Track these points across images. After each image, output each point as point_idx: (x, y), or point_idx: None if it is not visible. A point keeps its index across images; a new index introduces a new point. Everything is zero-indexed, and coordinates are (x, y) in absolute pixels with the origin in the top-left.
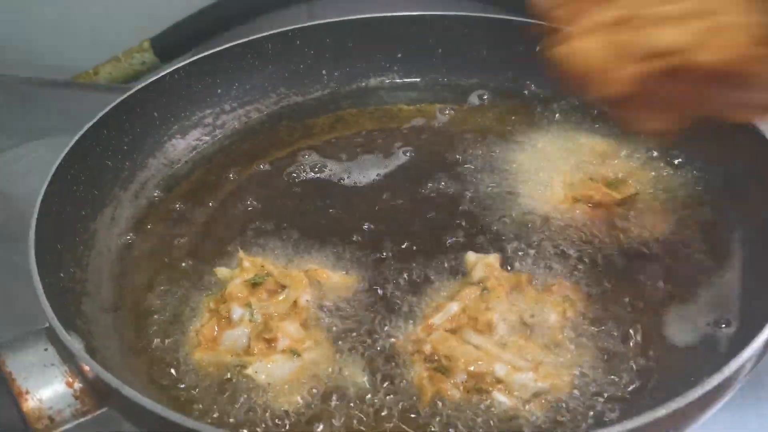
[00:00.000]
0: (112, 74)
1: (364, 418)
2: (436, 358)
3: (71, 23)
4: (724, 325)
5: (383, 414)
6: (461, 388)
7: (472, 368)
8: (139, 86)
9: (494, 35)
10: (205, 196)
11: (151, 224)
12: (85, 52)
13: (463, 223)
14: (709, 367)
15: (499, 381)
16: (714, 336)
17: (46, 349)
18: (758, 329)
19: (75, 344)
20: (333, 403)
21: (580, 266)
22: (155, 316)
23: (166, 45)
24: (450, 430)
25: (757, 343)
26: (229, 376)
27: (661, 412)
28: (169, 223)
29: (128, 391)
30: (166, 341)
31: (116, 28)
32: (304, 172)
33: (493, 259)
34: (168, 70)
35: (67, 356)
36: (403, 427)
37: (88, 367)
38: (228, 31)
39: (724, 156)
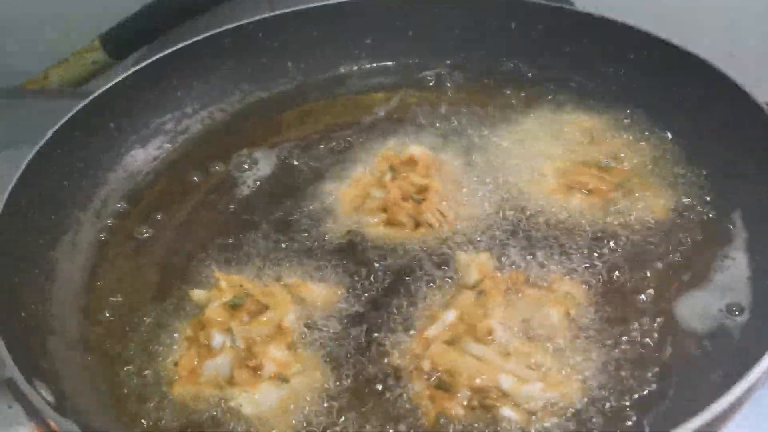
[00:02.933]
0: (64, 77)
1: None
2: (436, 374)
3: (16, 26)
4: (736, 312)
5: None
6: (466, 405)
7: (476, 382)
8: (91, 97)
9: (466, 13)
10: (171, 209)
11: (116, 247)
12: (33, 55)
13: (449, 219)
14: (726, 360)
15: (505, 395)
16: (727, 325)
17: (10, 407)
18: None
19: (41, 398)
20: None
21: (579, 260)
22: (129, 350)
23: (117, 42)
24: None
25: None
26: (212, 411)
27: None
28: (135, 244)
29: None
30: (142, 377)
31: (64, 28)
32: (274, 172)
33: (486, 258)
34: (120, 77)
35: (33, 411)
36: None
37: (56, 423)
38: (182, 26)
39: (715, 130)
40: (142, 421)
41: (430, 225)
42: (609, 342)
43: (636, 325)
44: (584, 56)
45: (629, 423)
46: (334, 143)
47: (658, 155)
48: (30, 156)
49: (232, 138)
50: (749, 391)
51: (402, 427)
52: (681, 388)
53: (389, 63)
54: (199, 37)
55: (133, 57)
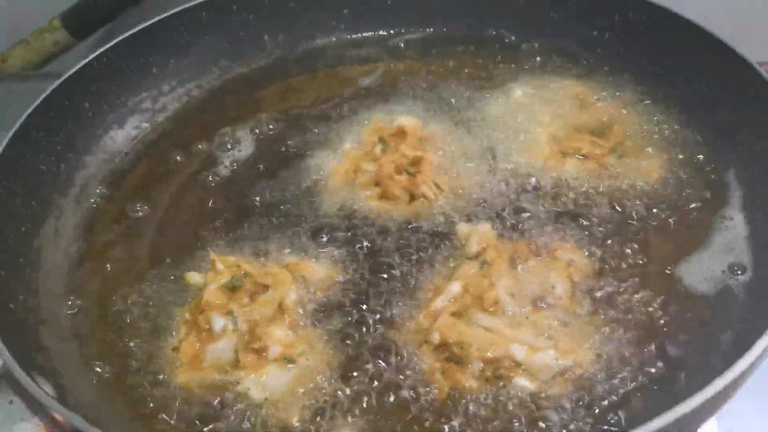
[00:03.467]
0: (24, 59)
1: (379, 422)
2: (445, 347)
3: None
4: (739, 272)
5: (399, 415)
6: (479, 377)
7: (487, 354)
8: (64, 77)
9: None
10: (155, 190)
11: (101, 231)
12: None
13: (446, 190)
14: (734, 322)
15: (518, 364)
16: (731, 285)
17: (11, 402)
18: None
19: (43, 392)
20: (342, 410)
21: (579, 226)
22: (125, 338)
23: (79, 21)
24: (473, 423)
25: None
26: (219, 397)
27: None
28: (120, 227)
29: None
30: (141, 365)
31: (21, 8)
32: (259, 150)
33: (486, 228)
34: (94, 55)
35: (36, 407)
36: (423, 425)
37: (62, 417)
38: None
39: (704, 90)
40: (147, 411)
41: (426, 197)
42: (615, 307)
43: (640, 290)
44: (569, 21)
45: (641, 388)
46: (318, 118)
47: (649, 118)
48: (4, 142)
49: (213, 116)
50: (761, 356)
51: (416, 402)
52: (691, 352)
53: (369, 33)
54: (172, 11)
55: (95, 37)
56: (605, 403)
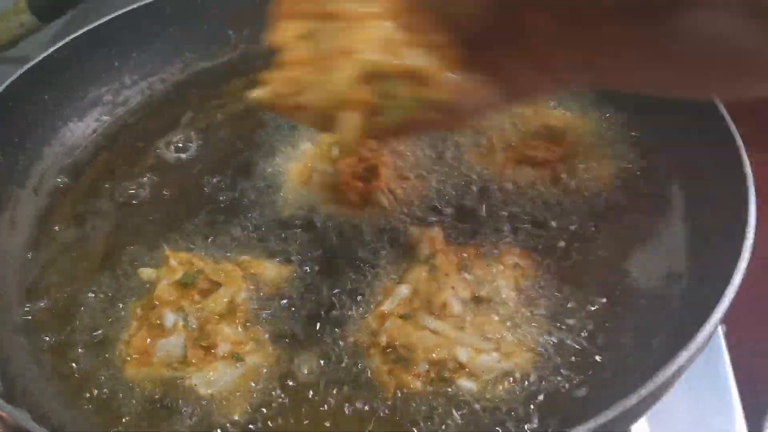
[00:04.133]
0: None
1: (323, 421)
2: (393, 349)
3: None
4: (676, 280)
5: (344, 414)
6: (424, 378)
7: (433, 356)
8: (25, 68)
9: None
10: (113, 184)
11: (58, 224)
12: None
13: (399, 195)
14: (667, 328)
15: (462, 366)
16: (668, 293)
17: None
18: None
19: None
20: (287, 408)
21: (527, 231)
22: (76, 331)
23: (45, 3)
24: (418, 422)
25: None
26: (167, 392)
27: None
28: (77, 221)
29: None
30: (92, 358)
31: None
32: (219, 147)
33: (436, 232)
34: (55, 47)
35: None
36: (367, 425)
37: (5, 413)
38: None
39: (656, 99)
40: (95, 404)
41: (380, 204)
42: (558, 310)
43: (583, 295)
44: None
45: (579, 389)
46: (279, 116)
47: (602, 125)
48: None
49: (175, 109)
50: (687, 362)
51: (361, 402)
52: (626, 356)
53: None
54: (136, 4)
55: (63, 20)
56: (543, 405)
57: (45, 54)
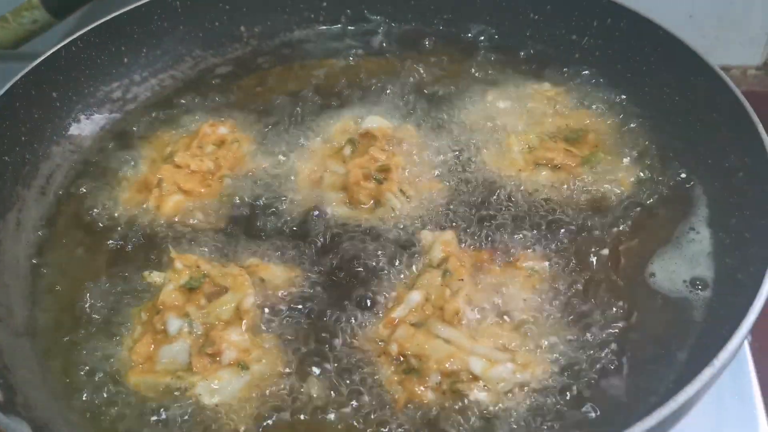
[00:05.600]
0: (1, 37)
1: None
2: (404, 358)
3: None
4: (700, 287)
5: (353, 426)
6: (436, 390)
7: (446, 366)
8: (32, 65)
9: None
10: (121, 183)
11: (64, 225)
12: None
13: (412, 197)
14: (691, 338)
15: (475, 377)
16: (690, 299)
17: None
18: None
19: None
20: (293, 420)
21: (544, 235)
22: (79, 337)
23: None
24: None
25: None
26: (170, 401)
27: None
28: (83, 222)
29: None
30: (95, 365)
31: None
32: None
33: (450, 236)
34: (63, 43)
35: None
36: None
37: (5, 428)
38: None
39: (677, 101)
40: (96, 412)
41: (392, 206)
42: (576, 318)
43: (603, 301)
44: (547, 26)
45: (598, 404)
46: (289, 112)
47: (623, 127)
48: None
49: (185, 107)
50: (712, 379)
51: (371, 413)
52: (647, 368)
53: (346, 27)
54: (147, 0)
55: (75, 16)
56: (560, 418)
57: (52, 50)
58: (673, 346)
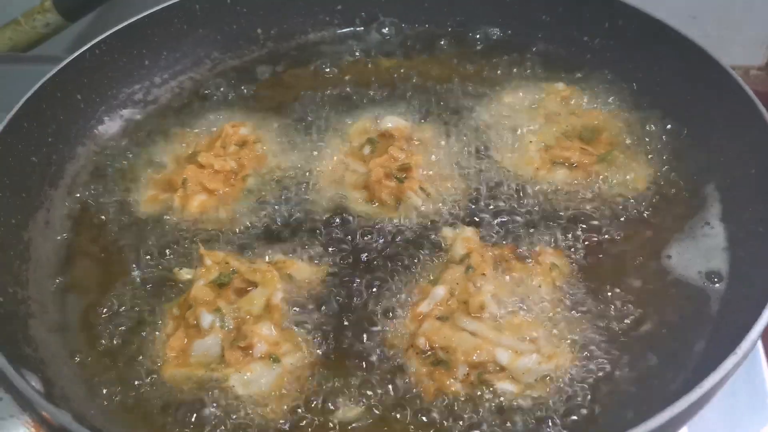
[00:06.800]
0: (14, 40)
1: (363, 424)
2: (431, 351)
3: None
4: (716, 280)
5: (381, 417)
6: (464, 381)
7: (473, 358)
8: (57, 68)
9: None
10: (146, 181)
11: (91, 223)
12: None
13: (432, 194)
14: (706, 330)
15: (502, 368)
16: (706, 291)
17: (0, 399)
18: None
19: (32, 389)
20: (326, 411)
21: (563, 232)
22: (112, 331)
23: (71, 2)
24: (459, 425)
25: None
26: (204, 393)
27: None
28: (111, 219)
29: None
30: (129, 359)
31: None
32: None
33: (472, 232)
34: (87, 46)
35: (25, 403)
36: (409, 427)
37: (50, 415)
38: None
39: (689, 100)
40: (130, 404)
41: (414, 205)
42: (597, 311)
43: (622, 293)
44: (560, 26)
45: (619, 394)
46: (307, 113)
47: (637, 125)
48: None
49: (205, 107)
50: (729, 373)
51: (402, 405)
52: (666, 359)
53: (360, 29)
54: (166, 3)
55: (87, 19)
56: (583, 407)
57: (77, 54)
58: (691, 337)
